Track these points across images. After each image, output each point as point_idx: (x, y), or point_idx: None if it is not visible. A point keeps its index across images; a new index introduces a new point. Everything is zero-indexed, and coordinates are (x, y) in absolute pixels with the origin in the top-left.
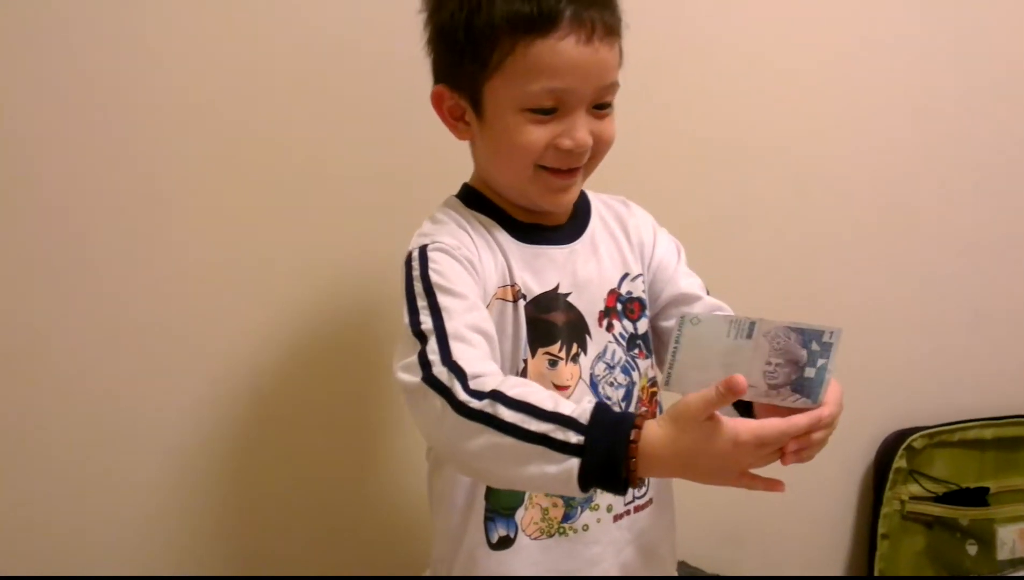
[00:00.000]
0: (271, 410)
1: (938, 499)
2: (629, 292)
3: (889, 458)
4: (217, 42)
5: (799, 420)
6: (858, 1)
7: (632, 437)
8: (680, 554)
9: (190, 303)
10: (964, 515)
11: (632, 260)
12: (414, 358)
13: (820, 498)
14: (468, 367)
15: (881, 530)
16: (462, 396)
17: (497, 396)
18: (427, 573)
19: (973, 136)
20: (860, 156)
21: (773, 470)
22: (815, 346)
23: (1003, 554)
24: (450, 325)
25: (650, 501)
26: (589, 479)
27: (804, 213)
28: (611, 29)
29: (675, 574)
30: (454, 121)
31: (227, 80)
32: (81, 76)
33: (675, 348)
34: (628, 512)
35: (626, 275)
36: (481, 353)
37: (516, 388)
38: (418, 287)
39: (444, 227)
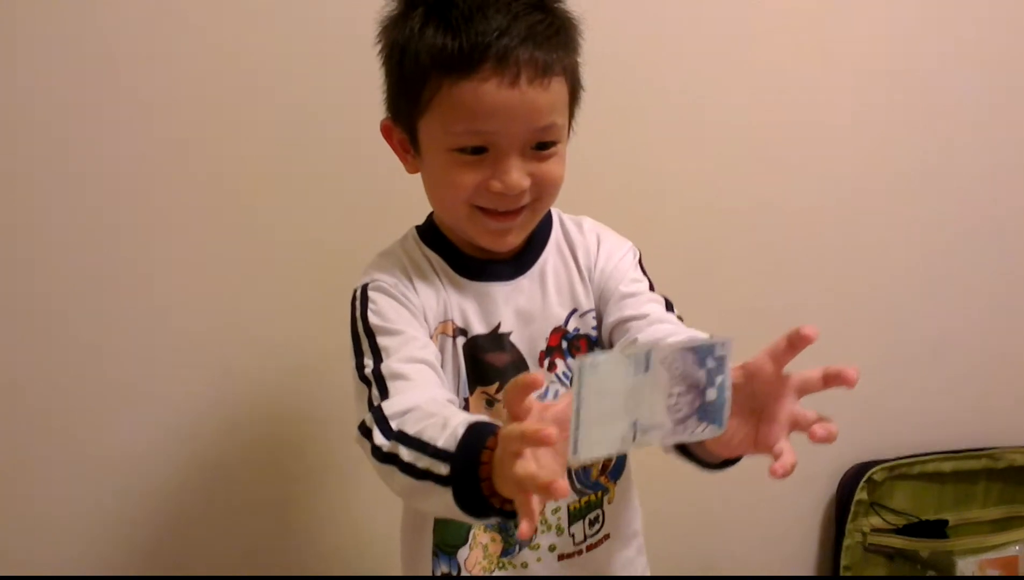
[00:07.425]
0: (268, 416)
1: (899, 531)
2: (577, 329)
3: (851, 490)
4: (215, 44)
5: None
6: (848, 34)
7: (484, 458)
8: None
9: (187, 305)
10: (924, 547)
11: (582, 294)
12: (364, 407)
13: (783, 530)
14: (389, 409)
15: (844, 562)
16: (378, 440)
17: (400, 437)
18: None
19: (935, 176)
20: (821, 192)
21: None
22: (711, 362)
23: None
24: (386, 366)
25: (606, 536)
26: (468, 506)
27: (762, 247)
28: (546, 68)
29: None
30: (404, 154)
31: (226, 82)
32: (76, 77)
33: (578, 405)
34: (580, 552)
35: (575, 311)
36: (417, 383)
37: (418, 423)
38: (360, 328)
39: (386, 262)
